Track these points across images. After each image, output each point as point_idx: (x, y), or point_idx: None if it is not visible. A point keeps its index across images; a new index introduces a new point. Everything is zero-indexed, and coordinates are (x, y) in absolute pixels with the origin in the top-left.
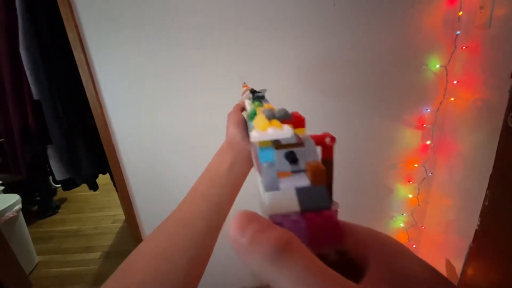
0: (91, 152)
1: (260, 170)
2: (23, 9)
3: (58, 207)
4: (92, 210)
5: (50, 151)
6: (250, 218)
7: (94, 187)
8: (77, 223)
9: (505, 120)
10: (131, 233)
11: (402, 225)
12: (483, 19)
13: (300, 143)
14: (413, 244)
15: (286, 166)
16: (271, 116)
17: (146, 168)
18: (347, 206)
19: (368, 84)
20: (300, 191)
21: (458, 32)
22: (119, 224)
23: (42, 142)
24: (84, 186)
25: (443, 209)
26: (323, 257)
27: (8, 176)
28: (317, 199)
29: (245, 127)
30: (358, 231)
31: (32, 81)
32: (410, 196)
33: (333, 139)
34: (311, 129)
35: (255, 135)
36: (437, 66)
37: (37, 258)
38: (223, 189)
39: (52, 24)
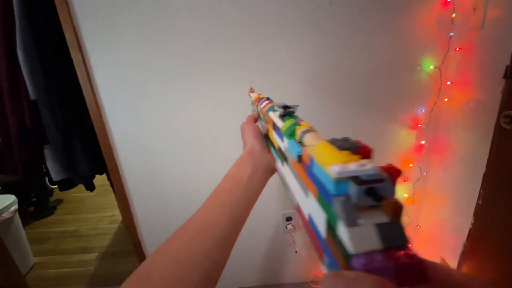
0: (88, 152)
1: (323, 196)
2: (20, 9)
3: (55, 207)
4: (89, 211)
5: (47, 152)
6: (337, 277)
7: (91, 187)
8: (73, 224)
9: (498, 120)
10: (128, 234)
11: None
12: (476, 21)
13: (380, 179)
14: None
15: (364, 201)
16: (341, 146)
17: (143, 168)
18: None
19: (363, 85)
20: (380, 228)
21: (451, 34)
22: (116, 225)
23: (39, 142)
24: (81, 187)
25: (437, 208)
26: None
27: (3, 176)
28: (397, 236)
29: (263, 138)
30: (441, 270)
31: (29, 81)
32: (406, 195)
33: (399, 172)
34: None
35: (338, 170)
36: (431, 67)
37: (33, 259)
38: (242, 199)
39: (49, 24)
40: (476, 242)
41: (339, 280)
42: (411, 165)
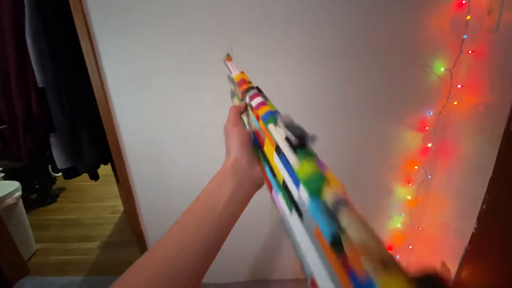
0: (94, 141)
1: None
2: None
3: (57, 195)
4: (91, 200)
5: (53, 139)
6: None
7: (95, 176)
8: (76, 212)
9: (507, 125)
10: (130, 224)
11: (399, 225)
12: (490, 24)
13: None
14: (409, 245)
15: None
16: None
17: (148, 159)
18: None
19: (372, 84)
20: None
21: (464, 36)
22: (118, 215)
23: (45, 130)
24: (84, 176)
25: (440, 211)
26: None
27: (8, 163)
28: None
29: (250, 146)
30: None
31: (37, 68)
32: (409, 197)
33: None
34: (314, 130)
35: None
36: (442, 69)
37: (35, 246)
38: (220, 219)
39: (58, 11)
40: (478, 246)
41: None
42: (416, 167)
